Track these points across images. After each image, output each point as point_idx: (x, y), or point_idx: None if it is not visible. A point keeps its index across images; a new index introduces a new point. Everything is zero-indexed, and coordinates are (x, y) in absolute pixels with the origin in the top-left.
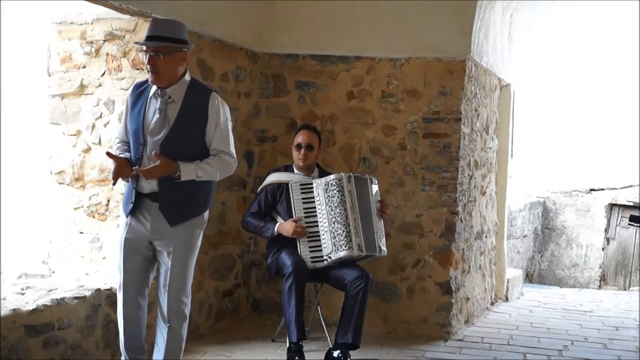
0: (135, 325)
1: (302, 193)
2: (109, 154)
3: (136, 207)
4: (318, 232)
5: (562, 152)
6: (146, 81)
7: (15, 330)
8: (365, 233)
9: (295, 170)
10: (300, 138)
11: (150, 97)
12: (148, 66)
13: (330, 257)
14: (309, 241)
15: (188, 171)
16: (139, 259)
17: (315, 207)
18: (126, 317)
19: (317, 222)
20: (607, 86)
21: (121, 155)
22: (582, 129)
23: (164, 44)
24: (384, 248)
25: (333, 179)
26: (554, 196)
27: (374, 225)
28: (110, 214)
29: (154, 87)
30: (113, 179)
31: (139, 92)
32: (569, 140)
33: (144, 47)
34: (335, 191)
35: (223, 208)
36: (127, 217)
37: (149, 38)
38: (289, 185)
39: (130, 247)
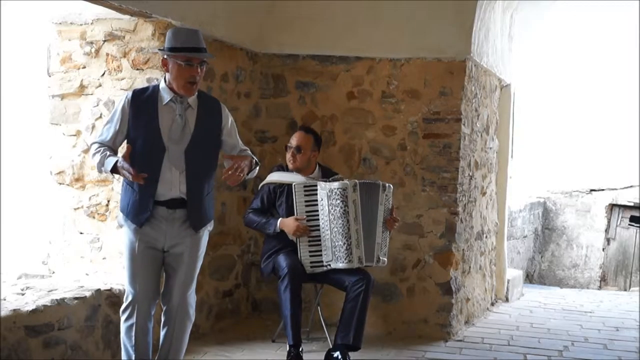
0: (146, 343)
1: (305, 195)
2: (129, 148)
3: (151, 215)
4: (319, 236)
5: (562, 152)
6: (146, 89)
7: (15, 330)
8: (367, 245)
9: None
10: (292, 139)
11: (163, 105)
12: (190, 77)
13: (329, 265)
14: (309, 245)
15: (255, 160)
16: (152, 271)
17: (317, 211)
18: (138, 335)
19: (318, 226)
20: (607, 86)
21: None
22: (582, 129)
23: (210, 56)
24: (383, 258)
25: (337, 188)
26: (554, 196)
27: (377, 236)
28: (110, 215)
29: (168, 95)
30: (136, 178)
31: (142, 100)
32: (569, 140)
33: (178, 57)
34: (338, 201)
35: (223, 209)
36: (139, 227)
37: (192, 49)
38: (293, 186)
39: (145, 260)
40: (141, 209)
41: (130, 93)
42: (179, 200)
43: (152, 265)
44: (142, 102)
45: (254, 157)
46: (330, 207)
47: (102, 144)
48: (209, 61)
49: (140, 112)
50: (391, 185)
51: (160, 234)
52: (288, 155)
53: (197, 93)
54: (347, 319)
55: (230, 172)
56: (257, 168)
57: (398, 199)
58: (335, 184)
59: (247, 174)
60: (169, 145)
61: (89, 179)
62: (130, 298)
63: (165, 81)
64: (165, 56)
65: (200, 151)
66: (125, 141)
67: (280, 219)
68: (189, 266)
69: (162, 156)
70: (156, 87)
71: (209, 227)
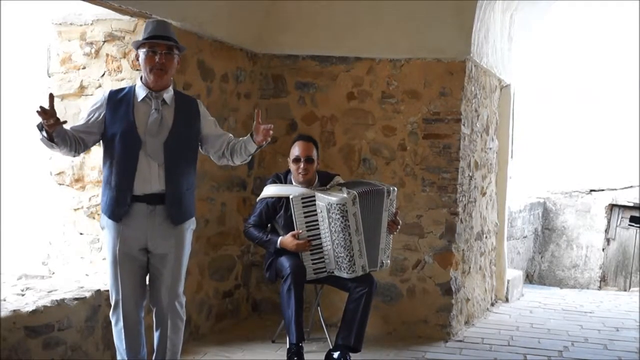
0: (138, 345)
1: (303, 207)
2: (51, 97)
3: (128, 211)
4: (321, 244)
5: (562, 152)
6: (122, 89)
7: (15, 331)
8: (370, 252)
9: (294, 182)
10: (297, 150)
11: (138, 102)
12: (158, 64)
13: (332, 272)
14: (311, 253)
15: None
16: (137, 270)
17: (317, 221)
18: (129, 338)
19: (319, 235)
20: (606, 87)
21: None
22: (582, 129)
23: (177, 44)
24: (386, 261)
25: (336, 204)
26: (554, 197)
27: (380, 241)
28: None
29: (142, 91)
30: (46, 117)
31: (118, 98)
32: (569, 141)
33: (141, 46)
34: (338, 215)
35: (223, 209)
36: (117, 223)
37: (158, 37)
38: (290, 200)
39: (127, 260)
40: (119, 203)
41: (107, 92)
42: (158, 196)
43: (135, 267)
44: (118, 100)
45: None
46: (330, 220)
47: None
48: (208, 61)
49: (116, 109)
50: (395, 188)
51: (142, 233)
52: (297, 168)
53: (173, 92)
54: (348, 320)
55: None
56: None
57: (398, 200)
58: (334, 199)
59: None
60: (146, 138)
61: (89, 179)
62: (115, 302)
63: (141, 79)
64: (136, 50)
65: (180, 145)
66: (101, 139)
67: (280, 238)
68: (174, 267)
69: (138, 149)
70: (132, 87)
71: (192, 225)
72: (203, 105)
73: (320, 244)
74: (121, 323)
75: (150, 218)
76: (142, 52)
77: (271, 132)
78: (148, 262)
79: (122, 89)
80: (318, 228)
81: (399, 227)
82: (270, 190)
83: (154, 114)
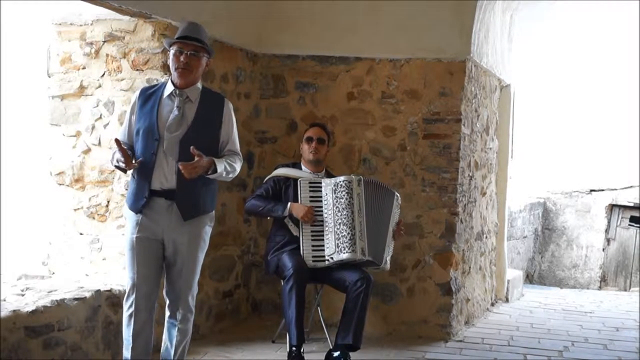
0: (148, 337)
1: (310, 191)
2: (117, 141)
3: (147, 204)
4: (322, 231)
5: (562, 152)
6: (153, 86)
7: (15, 331)
8: (371, 239)
9: (304, 168)
10: (311, 132)
11: (164, 98)
12: (182, 63)
13: (332, 258)
14: (312, 239)
15: (220, 167)
16: (152, 259)
17: (321, 207)
18: (137, 327)
19: (322, 221)
20: (606, 87)
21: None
22: (582, 130)
23: (205, 47)
24: (389, 262)
25: (343, 181)
26: (554, 197)
27: (387, 238)
28: (110, 215)
29: (170, 88)
30: (127, 165)
31: (148, 94)
32: (569, 141)
33: (174, 46)
34: (343, 193)
35: (223, 209)
36: (136, 214)
37: (187, 38)
38: (298, 181)
39: (142, 247)
40: (139, 195)
41: (138, 90)
42: (175, 192)
43: (152, 251)
44: (148, 96)
45: (229, 166)
46: (335, 200)
47: (121, 142)
48: (210, 60)
49: (144, 105)
50: (400, 197)
51: (159, 226)
52: (309, 147)
53: (202, 88)
54: (347, 319)
55: (187, 164)
56: (228, 175)
57: None
58: (341, 178)
59: (208, 174)
60: (165, 134)
61: (89, 179)
62: (131, 285)
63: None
64: (168, 49)
65: (197, 142)
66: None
67: (290, 203)
68: (189, 261)
69: (157, 144)
70: (164, 83)
71: (210, 222)
72: (230, 106)
73: (322, 230)
74: (133, 308)
75: (168, 213)
76: (171, 51)
77: (193, 171)
78: (164, 255)
79: (153, 85)
80: (321, 214)
81: (402, 232)
82: (280, 171)
83: (174, 111)
